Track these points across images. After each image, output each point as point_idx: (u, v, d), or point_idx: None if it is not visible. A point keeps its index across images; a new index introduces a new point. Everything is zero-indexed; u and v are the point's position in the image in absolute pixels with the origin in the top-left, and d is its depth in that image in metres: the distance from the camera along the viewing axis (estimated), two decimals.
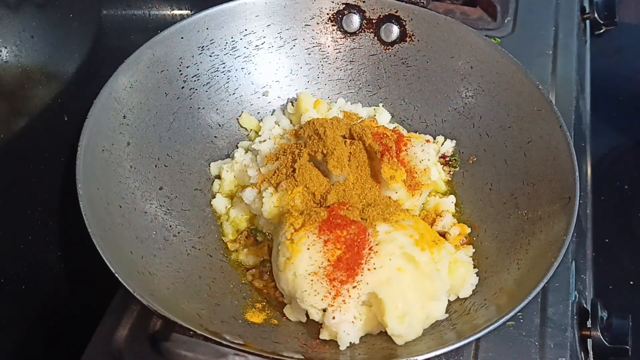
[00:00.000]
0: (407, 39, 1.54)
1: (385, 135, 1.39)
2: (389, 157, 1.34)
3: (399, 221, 1.24)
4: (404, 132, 1.52)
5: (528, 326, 1.26)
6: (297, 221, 1.22)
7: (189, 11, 1.58)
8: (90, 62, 1.31)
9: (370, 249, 1.18)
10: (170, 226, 1.32)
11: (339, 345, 1.16)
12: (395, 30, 1.55)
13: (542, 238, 1.24)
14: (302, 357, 1.13)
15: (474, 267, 1.29)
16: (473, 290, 1.25)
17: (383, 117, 1.55)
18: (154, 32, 1.41)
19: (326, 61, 1.58)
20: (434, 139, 1.51)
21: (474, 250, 1.34)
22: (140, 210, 1.29)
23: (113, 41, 1.39)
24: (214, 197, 1.42)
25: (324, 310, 1.17)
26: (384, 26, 1.55)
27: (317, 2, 1.55)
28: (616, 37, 2.12)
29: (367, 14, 1.56)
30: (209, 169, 1.46)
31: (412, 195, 1.37)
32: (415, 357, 1.07)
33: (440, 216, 1.40)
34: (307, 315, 1.21)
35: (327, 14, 1.56)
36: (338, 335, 1.16)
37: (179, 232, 1.33)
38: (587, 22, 1.99)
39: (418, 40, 1.53)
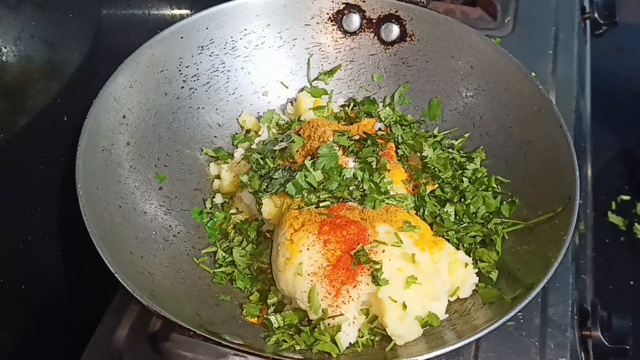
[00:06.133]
0: (407, 39, 1.54)
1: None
2: (388, 157, 1.34)
3: (399, 221, 1.24)
4: None
5: (528, 326, 1.25)
6: (297, 221, 1.22)
7: (189, 11, 1.58)
8: (89, 61, 1.31)
9: (370, 249, 1.18)
10: (170, 226, 1.32)
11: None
12: (395, 30, 1.54)
13: (542, 238, 1.24)
14: (302, 357, 1.13)
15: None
16: (473, 290, 1.25)
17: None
18: (153, 32, 1.41)
19: (326, 61, 1.58)
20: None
21: None
22: (140, 210, 1.29)
23: (113, 41, 1.39)
24: (214, 197, 1.42)
25: (324, 311, 1.16)
26: (384, 26, 1.55)
27: (317, 1, 1.54)
28: (616, 37, 2.12)
29: (367, 14, 1.56)
30: (209, 169, 1.46)
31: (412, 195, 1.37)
32: (416, 357, 1.07)
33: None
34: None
35: (327, 13, 1.56)
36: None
37: (178, 232, 1.33)
38: (587, 22, 1.98)
39: (418, 40, 1.53)
